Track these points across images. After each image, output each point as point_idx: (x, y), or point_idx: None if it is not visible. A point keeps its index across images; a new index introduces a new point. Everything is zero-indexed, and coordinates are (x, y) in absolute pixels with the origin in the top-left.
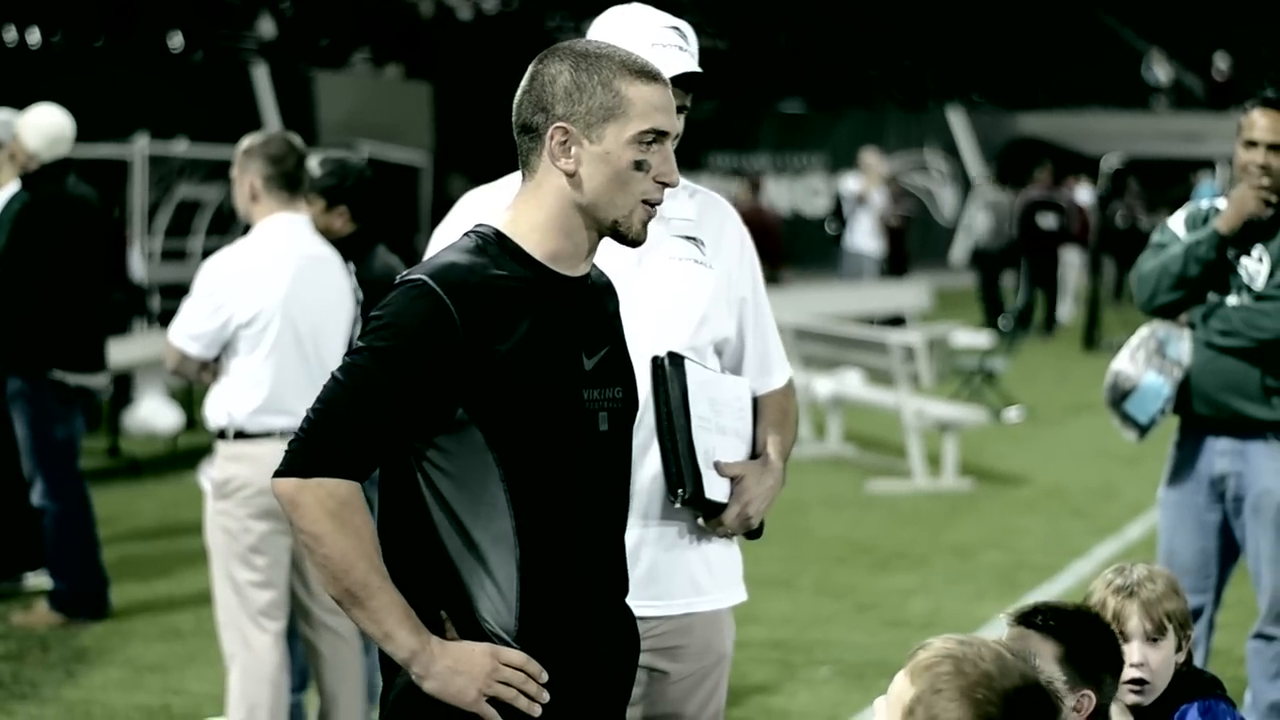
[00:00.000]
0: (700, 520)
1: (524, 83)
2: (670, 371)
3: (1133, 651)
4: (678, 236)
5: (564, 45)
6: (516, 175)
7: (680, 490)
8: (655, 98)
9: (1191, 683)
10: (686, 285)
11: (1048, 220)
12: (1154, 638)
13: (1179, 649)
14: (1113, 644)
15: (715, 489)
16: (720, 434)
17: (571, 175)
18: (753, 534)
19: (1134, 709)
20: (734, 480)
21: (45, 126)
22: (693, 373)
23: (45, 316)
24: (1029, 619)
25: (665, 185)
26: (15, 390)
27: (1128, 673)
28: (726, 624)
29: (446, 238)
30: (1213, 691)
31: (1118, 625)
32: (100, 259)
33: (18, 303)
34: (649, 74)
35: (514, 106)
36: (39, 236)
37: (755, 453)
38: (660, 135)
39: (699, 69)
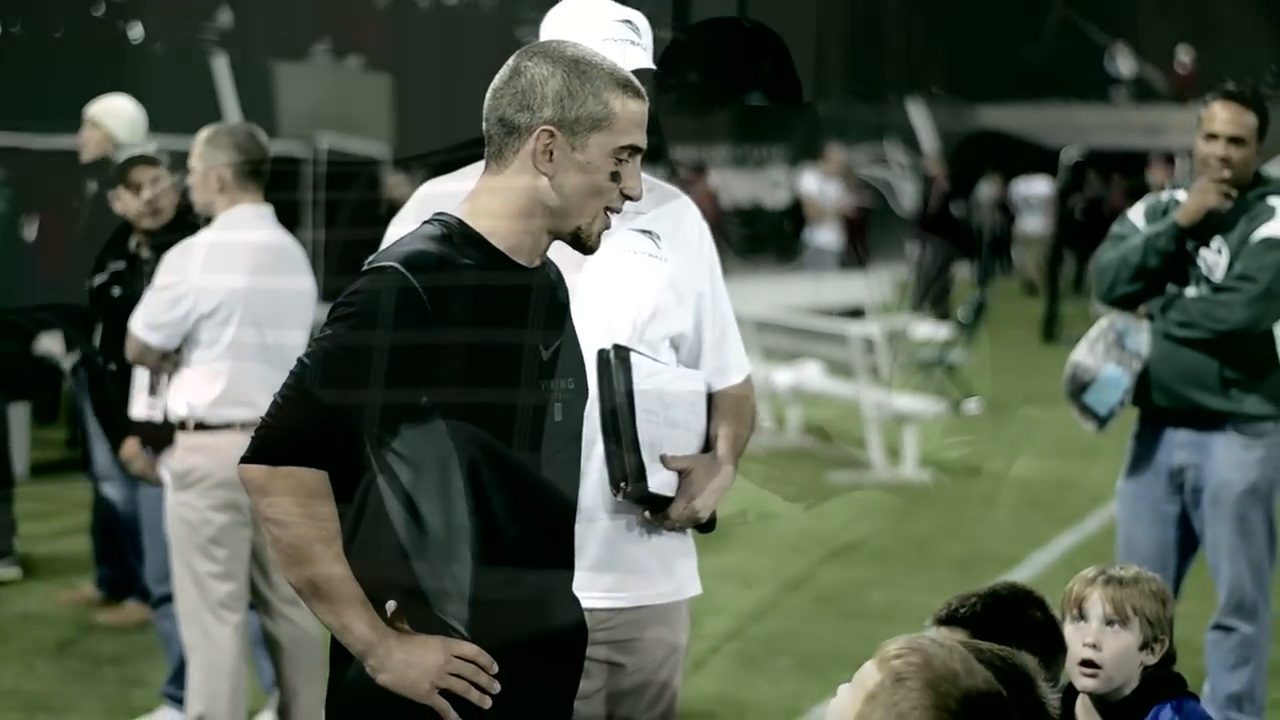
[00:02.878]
0: (646, 514)
1: (505, 75)
2: (615, 364)
3: (1088, 632)
4: (632, 229)
5: (551, 46)
6: (474, 167)
7: (623, 484)
8: (638, 114)
9: (1164, 683)
10: (638, 278)
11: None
12: (1111, 621)
13: (1146, 648)
14: (1022, 612)
15: (660, 483)
16: (670, 427)
17: (550, 178)
18: (704, 528)
19: (1103, 710)
20: (681, 474)
21: (127, 115)
22: (639, 365)
23: None
24: (941, 617)
25: (628, 198)
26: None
27: (1081, 652)
28: (680, 617)
29: (403, 228)
30: (1184, 690)
31: (1078, 608)
32: None
33: None
34: (634, 89)
35: (490, 97)
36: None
37: (708, 447)
38: (635, 150)
39: (652, 65)
